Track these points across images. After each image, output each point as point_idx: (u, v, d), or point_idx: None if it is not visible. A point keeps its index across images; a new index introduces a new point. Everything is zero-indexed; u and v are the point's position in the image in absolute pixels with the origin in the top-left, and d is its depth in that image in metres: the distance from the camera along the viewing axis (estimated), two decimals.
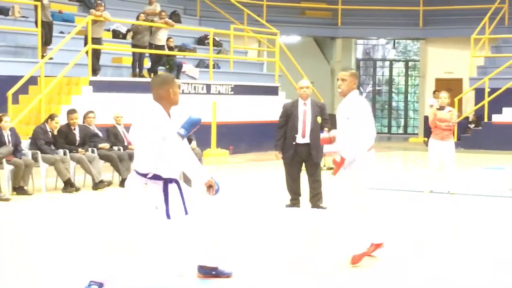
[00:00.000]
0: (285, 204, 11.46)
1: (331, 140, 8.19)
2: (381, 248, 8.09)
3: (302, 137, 11.05)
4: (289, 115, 11.16)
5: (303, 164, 11.27)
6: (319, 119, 11.13)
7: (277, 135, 11.28)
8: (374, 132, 7.96)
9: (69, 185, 13.36)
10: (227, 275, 7.11)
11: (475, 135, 24.91)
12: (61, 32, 20.38)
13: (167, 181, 6.51)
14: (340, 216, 8.12)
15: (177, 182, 6.59)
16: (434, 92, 27.17)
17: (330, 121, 11.14)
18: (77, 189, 13.45)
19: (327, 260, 8.02)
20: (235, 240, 9.03)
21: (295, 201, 11.34)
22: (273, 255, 8.27)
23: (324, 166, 18.03)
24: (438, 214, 11.33)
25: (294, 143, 11.08)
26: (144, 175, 6.47)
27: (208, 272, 7.07)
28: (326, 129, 10.71)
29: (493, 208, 12.19)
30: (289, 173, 11.30)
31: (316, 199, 11.23)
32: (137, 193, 6.49)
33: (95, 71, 18.63)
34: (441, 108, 13.47)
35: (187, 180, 7.46)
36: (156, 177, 6.47)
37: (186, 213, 6.59)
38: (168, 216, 6.53)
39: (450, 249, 8.72)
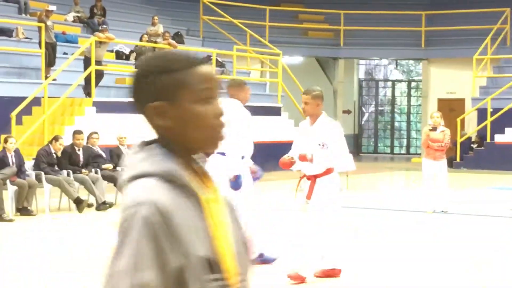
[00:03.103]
0: None
1: (310, 160, 7.91)
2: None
3: None
4: None
5: None
6: None
7: None
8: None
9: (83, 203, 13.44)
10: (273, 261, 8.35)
11: (477, 155, 24.93)
12: (65, 53, 20.47)
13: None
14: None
15: None
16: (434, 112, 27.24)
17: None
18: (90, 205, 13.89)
19: None
20: None
21: None
22: None
23: None
24: (438, 234, 11.34)
25: None
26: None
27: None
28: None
29: (491, 227, 12.18)
30: None
31: None
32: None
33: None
34: (434, 128, 13.49)
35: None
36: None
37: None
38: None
39: (449, 269, 8.73)
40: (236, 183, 8.03)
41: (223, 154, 7.80)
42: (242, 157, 8.26)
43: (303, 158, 7.89)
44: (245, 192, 8.18)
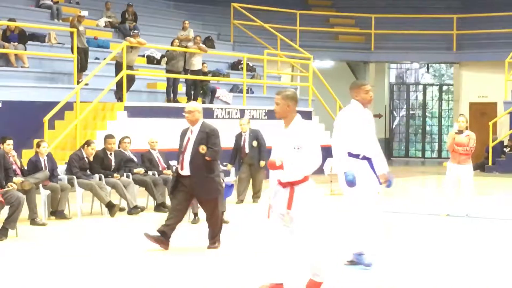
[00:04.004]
0: None
1: (280, 167, 7.29)
2: None
3: (181, 169, 9.99)
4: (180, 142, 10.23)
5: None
6: (202, 148, 9.94)
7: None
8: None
9: (113, 207, 13.47)
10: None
11: (510, 159, 24.73)
12: (96, 58, 20.62)
13: None
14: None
15: None
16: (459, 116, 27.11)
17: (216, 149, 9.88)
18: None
19: None
20: None
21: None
22: None
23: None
24: (454, 238, 11.24)
25: (176, 174, 10.14)
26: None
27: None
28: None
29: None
30: (172, 203, 10.39)
31: (212, 241, 10.15)
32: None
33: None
34: (459, 132, 13.45)
35: None
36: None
37: None
38: None
39: (465, 273, 8.66)
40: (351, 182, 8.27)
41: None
42: (362, 157, 8.44)
43: (272, 165, 7.24)
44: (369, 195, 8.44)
